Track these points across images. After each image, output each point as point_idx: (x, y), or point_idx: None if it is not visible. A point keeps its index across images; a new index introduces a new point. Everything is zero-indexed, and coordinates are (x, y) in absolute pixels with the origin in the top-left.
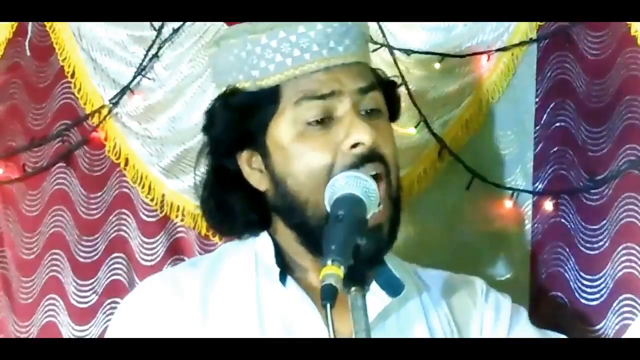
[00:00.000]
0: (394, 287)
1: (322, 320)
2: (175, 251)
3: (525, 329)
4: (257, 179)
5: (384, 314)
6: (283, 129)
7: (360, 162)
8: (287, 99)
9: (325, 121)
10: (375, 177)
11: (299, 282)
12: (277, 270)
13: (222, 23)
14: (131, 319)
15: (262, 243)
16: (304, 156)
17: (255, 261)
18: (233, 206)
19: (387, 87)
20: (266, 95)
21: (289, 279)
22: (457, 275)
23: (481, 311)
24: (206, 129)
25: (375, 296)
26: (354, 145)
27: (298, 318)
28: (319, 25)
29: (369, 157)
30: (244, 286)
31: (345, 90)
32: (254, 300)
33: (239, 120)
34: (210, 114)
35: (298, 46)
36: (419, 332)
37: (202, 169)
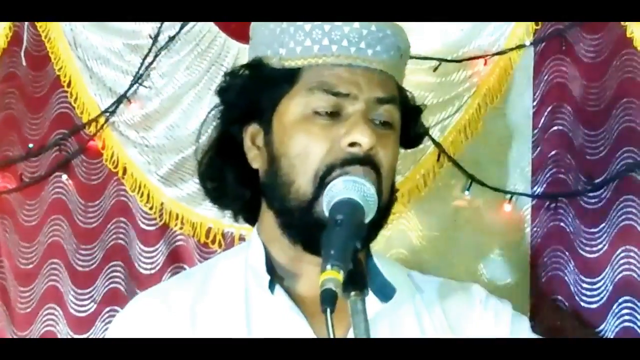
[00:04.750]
0: (385, 292)
1: (310, 329)
2: (175, 259)
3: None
4: (253, 156)
5: (376, 319)
6: (291, 110)
7: (352, 161)
8: (303, 83)
9: (333, 114)
10: None
11: (288, 290)
12: (267, 278)
13: (218, 30)
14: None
15: (253, 250)
16: (302, 140)
17: (245, 268)
18: (227, 175)
19: (408, 111)
20: (286, 74)
21: (277, 287)
22: (454, 282)
23: (479, 317)
24: (221, 91)
25: (368, 301)
26: (352, 144)
27: (286, 327)
28: (356, 24)
29: (362, 160)
30: (234, 294)
31: (361, 96)
32: (243, 308)
33: (253, 90)
34: (229, 77)
35: (329, 36)
36: (412, 336)
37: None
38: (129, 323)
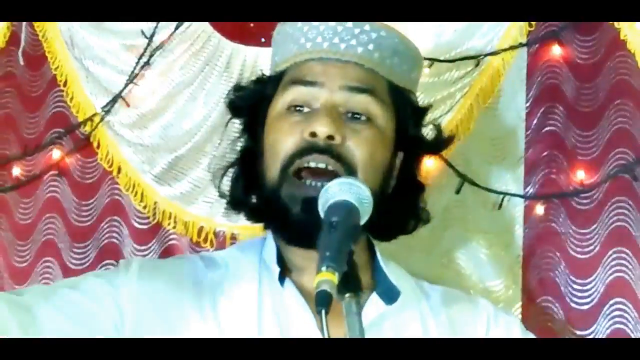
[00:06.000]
0: (390, 295)
1: (315, 323)
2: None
3: None
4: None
5: (379, 320)
6: (272, 109)
7: (309, 150)
8: (283, 83)
9: (303, 110)
10: (319, 171)
11: (296, 284)
12: (277, 270)
13: (212, 30)
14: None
15: (267, 245)
16: (274, 135)
17: (259, 261)
18: (249, 185)
19: (403, 109)
20: (273, 79)
21: (287, 280)
22: (461, 292)
23: (488, 333)
24: (229, 105)
25: (373, 304)
26: (312, 135)
27: (293, 320)
28: (332, 22)
29: (320, 149)
30: (248, 284)
31: (328, 84)
32: (255, 299)
33: (255, 102)
34: (236, 91)
35: (305, 36)
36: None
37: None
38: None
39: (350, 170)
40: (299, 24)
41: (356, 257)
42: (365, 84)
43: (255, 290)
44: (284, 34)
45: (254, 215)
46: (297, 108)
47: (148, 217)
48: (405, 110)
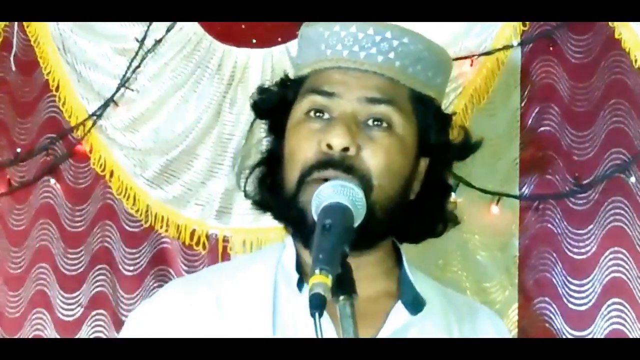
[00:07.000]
0: (415, 305)
1: (333, 327)
2: (159, 261)
3: None
4: None
5: (403, 330)
6: (292, 116)
7: (325, 164)
8: (303, 89)
9: (323, 116)
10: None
11: None
12: (296, 276)
13: (203, 33)
14: (142, 324)
15: (287, 250)
16: (293, 142)
17: (276, 266)
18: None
19: (424, 117)
20: (295, 83)
21: (305, 285)
22: (485, 307)
23: None
24: (253, 106)
25: (398, 313)
26: (329, 147)
27: (310, 324)
28: (352, 28)
29: (335, 163)
30: (262, 290)
31: (347, 95)
32: (270, 304)
33: (276, 108)
34: (261, 93)
35: (326, 42)
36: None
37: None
38: (150, 316)
39: (364, 179)
40: (320, 28)
41: (381, 263)
42: (384, 95)
43: (270, 295)
44: (306, 38)
45: (278, 216)
46: (317, 114)
47: (139, 221)
48: (427, 117)
